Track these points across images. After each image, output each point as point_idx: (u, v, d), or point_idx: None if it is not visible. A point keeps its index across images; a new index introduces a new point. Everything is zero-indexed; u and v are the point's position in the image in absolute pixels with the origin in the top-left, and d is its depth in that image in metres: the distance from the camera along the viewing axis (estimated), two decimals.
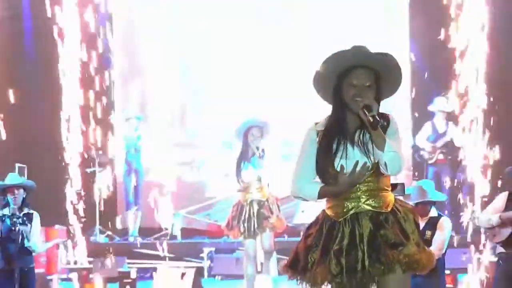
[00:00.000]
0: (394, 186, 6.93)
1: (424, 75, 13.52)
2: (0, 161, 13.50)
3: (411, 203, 9.74)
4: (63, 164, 12.72)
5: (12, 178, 11.79)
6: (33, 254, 11.96)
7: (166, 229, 13.36)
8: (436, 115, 13.61)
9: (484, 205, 13.09)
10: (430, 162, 13.99)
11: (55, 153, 12.77)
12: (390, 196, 6.52)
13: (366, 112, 6.30)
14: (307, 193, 6.63)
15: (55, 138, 12.84)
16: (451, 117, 13.78)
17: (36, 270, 12.42)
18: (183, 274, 12.51)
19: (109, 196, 13.02)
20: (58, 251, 13.34)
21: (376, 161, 6.49)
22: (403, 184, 8.05)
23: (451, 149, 14.07)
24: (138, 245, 13.42)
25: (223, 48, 13.74)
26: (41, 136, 12.88)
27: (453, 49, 13.74)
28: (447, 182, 14.13)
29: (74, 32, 13.79)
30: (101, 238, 12.85)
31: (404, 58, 12.50)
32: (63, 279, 13.23)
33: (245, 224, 12.06)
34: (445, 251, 10.89)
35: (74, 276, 13.12)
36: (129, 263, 12.93)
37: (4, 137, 13.06)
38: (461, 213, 13.85)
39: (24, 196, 11.63)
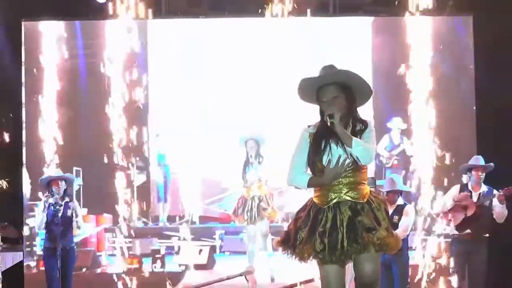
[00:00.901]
0: None
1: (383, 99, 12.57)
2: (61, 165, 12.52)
3: (384, 191, 10.42)
4: (112, 166, 11.96)
5: (55, 172, 11.43)
6: (78, 233, 11.35)
7: (187, 216, 12.86)
8: (392, 130, 12.67)
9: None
10: (387, 166, 12.99)
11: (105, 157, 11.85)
12: (366, 189, 6.15)
13: (329, 119, 5.95)
14: (299, 182, 6.24)
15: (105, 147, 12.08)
16: (404, 132, 12.84)
17: (88, 248, 12.55)
18: (200, 251, 12.42)
19: (145, 191, 11.98)
20: (105, 233, 12.79)
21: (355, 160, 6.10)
22: (373, 178, 7.50)
23: (403, 157, 13.17)
24: (166, 229, 12.70)
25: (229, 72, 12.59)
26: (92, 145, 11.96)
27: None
28: None
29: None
30: (138, 224, 12.23)
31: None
32: (109, 255, 12.75)
33: (248, 214, 12.17)
34: (409, 233, 10.63)
35: (118, 252, 12.54)
36: (159, 242, 12.56)
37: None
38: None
39: (65, 187, 11.03)
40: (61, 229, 10.77)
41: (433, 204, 12.17)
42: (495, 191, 10.64)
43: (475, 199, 10.69)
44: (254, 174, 12.13)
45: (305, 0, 12.19)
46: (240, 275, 12.09)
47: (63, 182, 11.01)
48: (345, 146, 5.97)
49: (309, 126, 6.21)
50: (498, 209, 10.60)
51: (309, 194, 6.24)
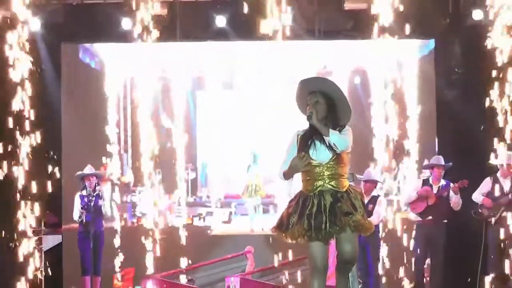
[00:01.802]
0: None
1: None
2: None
3: (362, 179, 10.62)
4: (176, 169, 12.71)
5: (88, 169, 11.32)
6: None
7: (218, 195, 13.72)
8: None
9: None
10: None
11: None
12: (346, 182, 6.18)
13: (308, 116, 6.10)
14: (281, 174, 6.21)
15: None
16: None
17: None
18: (224, 213, 13.21)
19: (194, 182, 13.10)
20: (174, 205, 13.17)
21: (335, 155, 6.11)
22: (353, 174, 7.63)
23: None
24: (206, 202, 13.37)
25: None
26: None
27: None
28: None
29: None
30: (191, 199, 13.09)
31: None
32: (176, 216, 13.09)
33: (249, 193, 13.11)
34: (382, 219, 10.86)
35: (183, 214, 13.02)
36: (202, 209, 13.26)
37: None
38: None
39: (96, 182, 11.15)
40: (92, 216, 10.93)
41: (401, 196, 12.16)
42: (451, 184, 10.68)
43: (435, 191, 10.76)
44: (253, 171, 12.89)
45: (296, 27, 12.28)
46: (242, 254, 12.08)
47: (94, 178, 11.09)
48: (325, 141, 6.02)
49: (298, 131, 6.22)
50: (454, 199, 10.67)
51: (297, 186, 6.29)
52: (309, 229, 6.01)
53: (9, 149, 8.36)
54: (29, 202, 10.44)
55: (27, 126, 9.78)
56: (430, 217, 10.74)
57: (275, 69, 11.90)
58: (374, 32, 10.04)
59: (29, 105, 10.31)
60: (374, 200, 10.60)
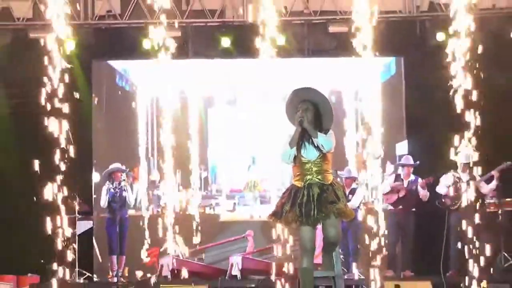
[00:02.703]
0: None
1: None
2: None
3: (344, 176, 10.62)
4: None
5: (115, 166, 11.34)
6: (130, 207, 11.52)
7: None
8: None
9: None
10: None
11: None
12: (330, 176, 6.17)
13: (299, 121, 6.07)
14: (283, 152, 6.11)
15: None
16: None
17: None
18: (229, 204, 13.03)
19: (206, 179, 13.00)
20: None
21: (322, 154, 6.11)
22: (336, 170, 7.13)
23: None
24: (215, 195, 13.19)
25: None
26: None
27: None
28: None
29: None
30: (203, 192, 12.97)
31: None
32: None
33: (249, 188, 12.92)
34: (360, 206, 10.74)
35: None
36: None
37: None
38: None
39: (121, 177, 11.15)
40: (119, 205, 10.95)
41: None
42: (419, 179, 10.76)
43: (405, 185, 10.81)
44: (252, 171, 12.85)
45: (288, 46, 12.32)
46: (243, 237, 12.16)
47: (120, 174, 11.08)
48: (313, 142, 6.02)
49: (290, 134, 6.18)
50: (422, 192, 10.73)
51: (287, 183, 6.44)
52: (300, 216, 6.01)
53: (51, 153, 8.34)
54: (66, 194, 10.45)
55: (63, 133, 9.74)
56: (401, 207, 10.77)
57: (270, 85, 11.87)
58: (354, 50, 10.06)
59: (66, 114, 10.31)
60: (353, 191, 10.63)
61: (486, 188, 10.44)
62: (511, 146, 10.91)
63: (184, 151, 12.31)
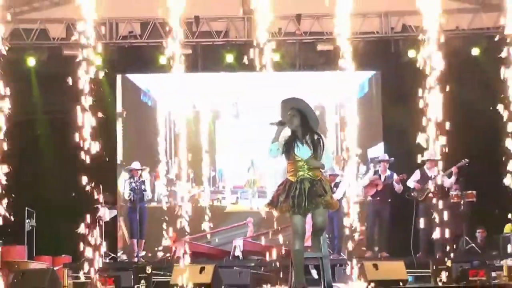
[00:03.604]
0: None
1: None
2: None
3: (328, 173, 10.10)
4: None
5: (135, 164, 11.24)
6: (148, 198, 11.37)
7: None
8: None
9: None
10: None
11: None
12: (319, 172, 6.11)
13: (281, 122, 6.11)
14: (269, 150, 6.14)
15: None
16: None
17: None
18: (234, 198, 13.11)
19: (214, 178, 13.09)
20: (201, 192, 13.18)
21: (312, 154, 6.05)
22: (323, 164, 6.97)
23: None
24: (221, 190, 13.20)
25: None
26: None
27: None
28: None
29: None
30: (212, 189, 13.12)
31: None
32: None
33: (250, 185, 12.86)
34: (342, 197, 10.54)
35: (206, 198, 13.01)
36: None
37: None
38: None
39: (140, 173, 11.13)
40: (138, 197, 10.92)
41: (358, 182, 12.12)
42: (394, 175, 10.75)
43: (382, 179, 10.79)
44: (251, 171, 12.83)
45: (282, 62, 12.33)
46: (244, 223, 12.12)
47: (139, 171, 11.05)
48: (306, 143, 6.01)
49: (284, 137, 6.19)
50: (396, 186, 10.75)
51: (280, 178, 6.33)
52: (293, 206, 6.01)
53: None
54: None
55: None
56: (378, 198, 10.77)
57: (266, 97, 11.87)
58: (338, 65, 10.07)
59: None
60: (337, 185, 10.60)
61: (447, 182, 10.45)
62: (469, 147, 10.90)
63: (196, 155, 12.27)
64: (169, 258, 10.67)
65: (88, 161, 7.62)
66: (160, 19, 11.61)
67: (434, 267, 8.90)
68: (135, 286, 8.81)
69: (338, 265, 9.59)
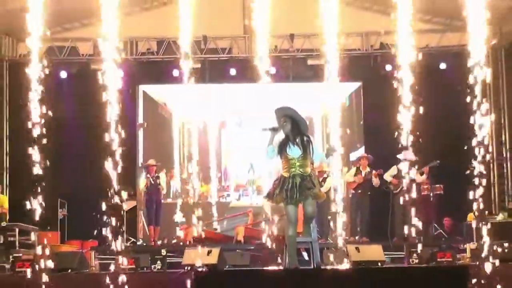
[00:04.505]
0: None
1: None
2: None
3: (317, 171, 9.98)
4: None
5: (151, 161, 11.19)
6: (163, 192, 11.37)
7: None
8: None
9: None
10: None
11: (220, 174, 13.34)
12: (308, 169, 6.11)
13: (274, 128, 6.11)
14: (266, 152, 6.12)
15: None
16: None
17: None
18: (237, 194, 13.26)
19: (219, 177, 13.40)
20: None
21: (303, 153, 6.04)
22: (312, 164, 7.03)
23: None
24: (226, 188, 13.42)
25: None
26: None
27: None
28: None
29: None
30: (219, 188, 13.22)
31: None
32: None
33: (250, 184, 13.07)
34: (329, 189, 10.23)
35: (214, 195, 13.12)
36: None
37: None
38: None
39: (155, 170, 11.06)
40: (154, 190, 10.89)
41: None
42: (373, 171, 10.66)
43: (363, 174, 10.71)
44: (251, 172, 13.00)
45: (277, 74, 12.33)
46: (243, 213, 12.07)
47: (154, 167, 10.97)
48: (297, 143, 6.01)
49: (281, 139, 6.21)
50: (375, 181, 10.67)
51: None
52: (286, 198, 6.05)
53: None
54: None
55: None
56: (360, 191, 10.73)
57: (264, 107, 11.83)
58: (326, 77, 10.08)
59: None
60: (324, 180, 10.47)
61: (419, 178, 10.40)
62: (437, 150, 10.80)
63: (205, 158, 12.41)
64: (181, 243, 10.59)
65: (112, 162, 7.63)
66: (173, 38, 11.56)
67: (408, 250, 8.93)
68: (152, 266, 8.81)
69: (325, 248, 9.60)
